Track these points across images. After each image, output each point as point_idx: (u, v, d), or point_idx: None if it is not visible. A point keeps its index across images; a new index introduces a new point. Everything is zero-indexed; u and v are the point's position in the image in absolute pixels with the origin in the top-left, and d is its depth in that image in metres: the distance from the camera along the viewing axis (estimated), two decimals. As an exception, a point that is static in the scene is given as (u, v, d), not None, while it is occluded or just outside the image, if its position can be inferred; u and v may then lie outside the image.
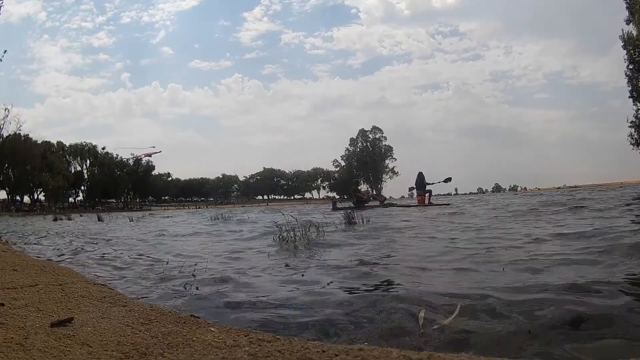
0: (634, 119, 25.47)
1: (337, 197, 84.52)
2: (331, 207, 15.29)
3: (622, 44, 24.63)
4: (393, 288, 2.13)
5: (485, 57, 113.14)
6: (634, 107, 25.32)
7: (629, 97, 25.48)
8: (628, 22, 24.61)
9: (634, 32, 23.83)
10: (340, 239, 4.68)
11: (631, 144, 25.99)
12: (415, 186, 15.66)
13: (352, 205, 15.64)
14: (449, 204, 14.88)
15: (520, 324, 1.49)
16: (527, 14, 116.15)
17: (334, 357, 1.17)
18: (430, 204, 14.59)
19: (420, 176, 15.37)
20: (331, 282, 2.39)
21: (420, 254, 3.29)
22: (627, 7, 24.69)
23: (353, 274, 2.58)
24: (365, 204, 15.46)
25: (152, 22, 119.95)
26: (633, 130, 25.69)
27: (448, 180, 15.72)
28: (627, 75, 25.04)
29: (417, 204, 14.94)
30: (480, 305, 1.65)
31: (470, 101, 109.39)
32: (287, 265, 3.06)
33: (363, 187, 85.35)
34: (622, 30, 24.62)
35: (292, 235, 4.53)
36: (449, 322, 1.44)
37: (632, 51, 24.15)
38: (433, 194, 15.73)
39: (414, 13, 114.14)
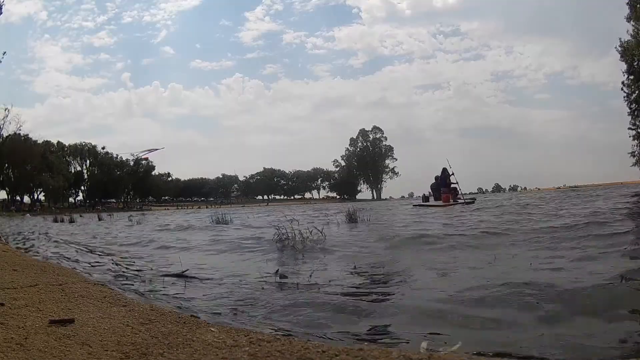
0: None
1: (338, 197, 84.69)
2: (420, 203, 15.01)
3: (621, 52, 24.18)
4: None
5: (487, 57, 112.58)
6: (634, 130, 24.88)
7: (628, 115, 25.10)
8: (629, 19, 24.36)
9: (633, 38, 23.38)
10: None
11: (635, 163, 25.58)
12: (439, 184, 14.49)
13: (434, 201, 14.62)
14: (473, 200, 14.21)
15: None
16: (528, 14, 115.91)
17: (334, 357, 1.17)
18: (455, 202, 13.72)
19: (445, 172, 14.32)
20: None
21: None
22: (627, 3, 24.44)
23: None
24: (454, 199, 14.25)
25: (153, 21, 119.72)
26: (635, 143, 25.25)
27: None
28: (629, 90, 24.56)
29: (442, 203, 13.77)
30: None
31: (471, 101, 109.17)
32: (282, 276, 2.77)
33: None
34: (620, 40, 24.19)
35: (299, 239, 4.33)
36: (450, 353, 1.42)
37: (629, 60, 23.58)
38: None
39: (415, 13, 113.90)
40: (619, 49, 24.14)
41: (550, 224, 4.97)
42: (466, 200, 14.11)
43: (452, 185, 14.39)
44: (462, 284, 2.26)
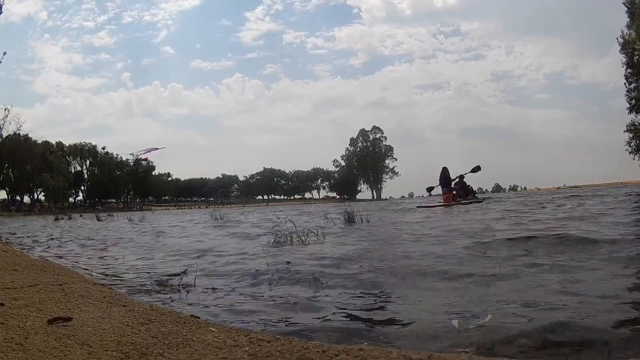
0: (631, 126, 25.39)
1: (338, 197, 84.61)
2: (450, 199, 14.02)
3: (620, 47, 24.43)
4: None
5: (487, 57, 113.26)
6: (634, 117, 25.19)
7: (628, 109, 25.31)
8: (629, 27, 24.50)
9: (633, 34, 23.64)
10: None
11: (630, 152, 25.94)
12: (439, 184, 13.94)
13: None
14: (481, 200, 13.61)
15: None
16: (528, 14, 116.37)
17: (334, 357, 1.17)
18: (458, 202, 13.12)
19: (445, 172, 13.84)
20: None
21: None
22: (626, 10, 24.54)
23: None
24: (462, 198, 13.62)
25: (153, 21, 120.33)
26: (630, 135, 25.58)
27: (477, 169, 14.01)
28: (628, 82, 24.80)
29: (443, 202, 13.20)
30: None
31: (471, 101, 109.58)
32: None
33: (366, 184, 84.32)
34: (622, 32, 24.45)
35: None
36: (483, 323, 1.41)
37: (630, 54, 23.91)
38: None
39: (416, 13, 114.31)
40: (620, 40, 24.40)
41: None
42: (471, 200, 13.65)
43: (452, 186, 14.14)
44: None
